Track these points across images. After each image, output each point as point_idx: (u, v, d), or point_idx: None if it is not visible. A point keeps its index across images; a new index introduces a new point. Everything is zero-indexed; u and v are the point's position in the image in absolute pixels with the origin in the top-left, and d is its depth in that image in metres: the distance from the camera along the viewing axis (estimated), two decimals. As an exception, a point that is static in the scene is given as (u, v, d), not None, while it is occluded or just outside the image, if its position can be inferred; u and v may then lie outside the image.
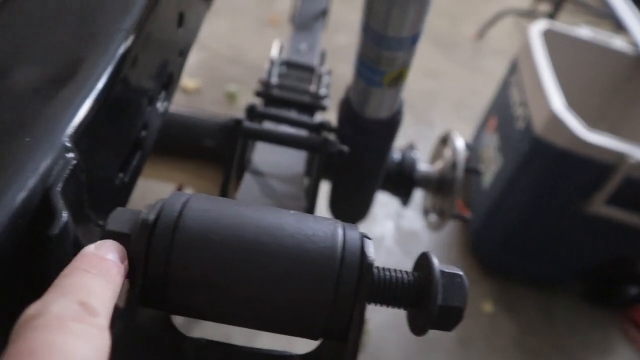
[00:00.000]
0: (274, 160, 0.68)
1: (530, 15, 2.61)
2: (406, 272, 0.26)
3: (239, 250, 0.23)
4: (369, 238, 0.25)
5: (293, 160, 0.69)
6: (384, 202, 1.53)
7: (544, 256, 1.40)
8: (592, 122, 1.45)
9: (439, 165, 1.05)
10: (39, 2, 0.34)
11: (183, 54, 0.47)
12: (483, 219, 1.42)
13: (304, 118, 0.67)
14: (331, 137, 0.54)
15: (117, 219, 0.24)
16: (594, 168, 1.16)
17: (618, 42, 1.54)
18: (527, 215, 1.33)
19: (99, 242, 0.23)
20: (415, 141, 1.08)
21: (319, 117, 0.76)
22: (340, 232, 0.25)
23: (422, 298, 0.25)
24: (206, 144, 1.02)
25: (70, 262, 0.22)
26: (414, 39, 0.50)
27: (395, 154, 0.98)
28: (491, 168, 1.44)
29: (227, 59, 1.95)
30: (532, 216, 1.33)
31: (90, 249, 0.23)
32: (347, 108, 0.64)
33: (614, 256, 1.35)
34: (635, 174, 1.14)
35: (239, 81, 1.86)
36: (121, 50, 0.33)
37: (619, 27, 2.11)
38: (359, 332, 0.24)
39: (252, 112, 0.64)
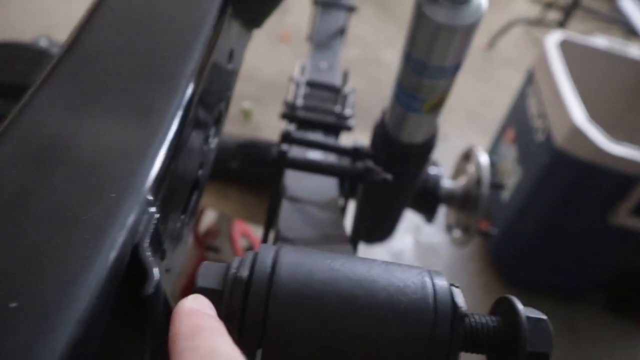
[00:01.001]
0: (307, 185, 0.68)
1: (540, 23, 2.62)
2: (489, 317, 0.26)
3: (334, 305, 0.23)
4: (457, 287, 0.25)
5: (326, 184, 0.69)
6: (405, 218, 1.53)
7: (567, 268, 1.39)
8: (610, 132, 1.45)
9: (462, 181, 1.04)
10: (101, 53, 0.34)
11: (231, 87, 0.47)
12: (503, 232, 1.41)
13: (340, 143, 0.67)
14: (372, 164, 0.54)
15: (206, 274, 0.25)
16: (617, 179, 1.16)
17: (634, 51, 1.53)
18: (549, 227, 1.33)
19: (194, 296, 0.23)
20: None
21: (349, 140, 0.76)
22: (429, 282, 0.25)
23: (509, 345, 0.25)
24: (229, 165, 1.03)
25: (175, 321, 0.22)
26: (456, 68, 0.50)
27: (419, 171, 0.98)
28: (510, 180, 1.44)
29: (241, 76, 1.96)
30: (554, 228, 1.32)
31: (188, 304, 0.22)
32: (382, 132, 0.65)
33: (638, 266, 1.34)
34: (659, 185, 1.14)
35: (253, 98, 1.86)
36: (187, 95, 0.33)
37: (630, 32, 2.11)
38: None
39: (287, 138, 0.64)
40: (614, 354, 1.39)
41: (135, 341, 0.24)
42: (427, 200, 1.01)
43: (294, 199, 0.64)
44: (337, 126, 0.89)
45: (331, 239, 0.53)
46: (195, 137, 0.37)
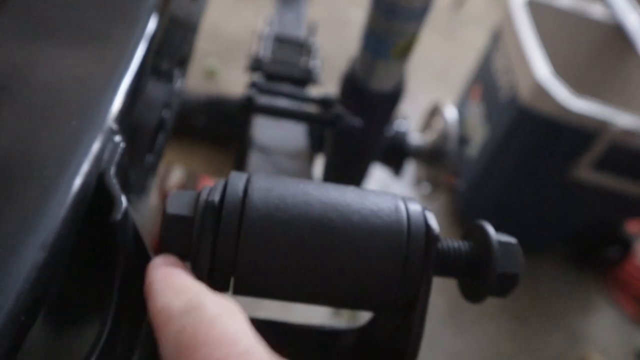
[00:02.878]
0: (275, 135, 0.67)
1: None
2: (461, 242, 0.26)
3: (308, 228, 0.23)
4: (430, 210, 0.25)
5: (294, 135, 0.69)
6: (372, 174, 1.54)
7: (531, 222, 1.43)
8: (576, 89, 1.47)
9: (430, 135, 1.05)
10: None
11: (195, 29, 0.46)
12: (471, 188, 1.44)
13: (308, 93, 0.66)
14: (342, 109, 0.53)
15: (177, 202, 0.24)
16: (579, 135, 1.19)
17: (597, 11, 1.55)
18: (515, 182, 1.35)
19: (164, 254, 0.24)
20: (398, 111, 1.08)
21: (318, 91, 0.76)
22: (402, 206, 0.25)
23: (481, 267, 0.25)
24: (195, 121, 1.01)
25: (148, 273, 0.22)
26: (425, 10, 0.50)
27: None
28: (477, 137, 1.45)
29: (204, 34, 1.92)
30: (519, 184, 1.35)
31: (160, 259, 0.23)
32: (350, 81, 0.64)
33: (598, 220, 1.39)
34: (618, 140, 1.17)
35: (218, 56, 1.82)
36: (150, 28, 0.32)
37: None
38: (426, 304, 0.24)
39: (254, 86, 0.63)
40: (571, 303, 1.45)
41: (105, 268, 0.24)
42: (395, 154, 1.01)
43: (263, 149, 0.63)
44: (305, 79, 0.88)
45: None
46: (160, 75, 0.36)
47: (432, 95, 1.96)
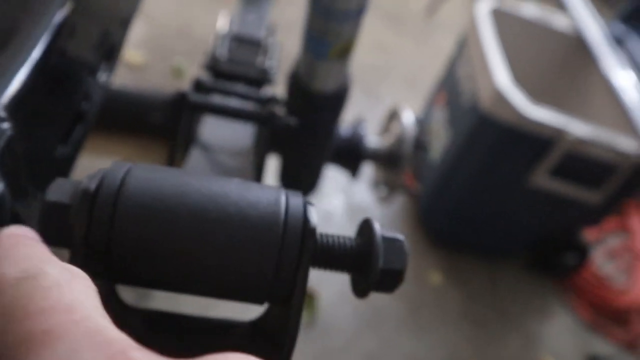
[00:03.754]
0: (221, 134, 0.67)
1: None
2: (349, 237, 0.27)
3: (182, 217, 0.23)
4: (312, 204, 0.26)
5: (241, 135, 0.69)
6: (334, 177, 1.55)
7: (491, 228, 1.45)
8: (538, 99, 1.50)
9: (387, 139, 1.06)
10: None
11: (125, 23, 0.46)
12: (432, 193, 1.45)
13: (253, 91, 0.66)
14: (279, 110, 0.53)
15: (57, 189, 0.24)
16: (537, 142, 1.21)
17: (560, 22, 1.58)
18: (474, 188, 1.37)
19: (17, 226, 0.22)
20: (365, 115, 1.08)
21: (268, 90, 0.76)
22: (283, 198, 0.25)
23: (364, 262, 0.26)
24: (152, 119, 1.00)
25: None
26: (360, 12, 0.51)
27: (345, 128, 0.99)
28: (440, 142, 1.47)
29: (174, 32, 1.91)
30: (479, 190, 1.37)
31: (11, 229, 0.21)
32: (295, 81, 0.64)
33: (556, 227, 1.41)
34: (574, 149, 1.19)
35: (186, 56, 1.82)
36: (58, 18, 0.31)
37: (561, 6, 2.17)
38: (302, 296, 0.24)
39: (198, 86, 0.63)
40: (529, 309, 1.47)
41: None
42: (352, 156, 1.02)
43: (204, 147, 0.63)
44: (260, 79, 0.88)
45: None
46: (73, 66, 0.35)
47: (401, 99, 1.98)
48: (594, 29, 1.52)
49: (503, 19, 1.51)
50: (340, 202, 1.55)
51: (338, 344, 1.25)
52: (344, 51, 0.55)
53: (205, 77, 0.64)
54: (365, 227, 0.27)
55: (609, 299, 1.53)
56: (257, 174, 0.56)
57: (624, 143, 1.20)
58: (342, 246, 0.26)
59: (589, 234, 1.51)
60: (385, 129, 1.10)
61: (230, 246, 0.23)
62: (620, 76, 1.41)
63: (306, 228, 0.24)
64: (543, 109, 1.19)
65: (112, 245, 0.23)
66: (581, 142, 1.18)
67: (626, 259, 1.69)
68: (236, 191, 0.25)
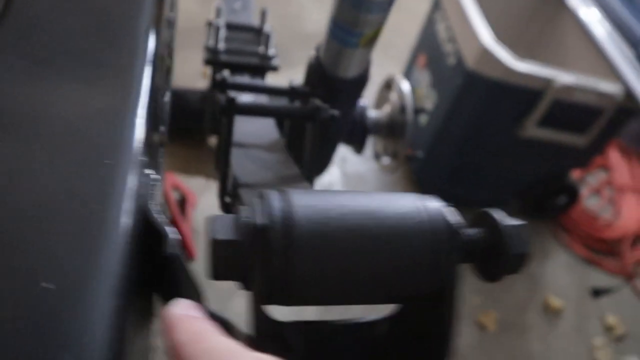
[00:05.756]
0: (247, 130, 0.68)
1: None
2: (475, 229, 0.29)
3: (349, 237, 0.25)
4: (449, 206, 0.28)
5: (266, 128, 0.70)
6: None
7: (485, 181, 1.50)
8: (513, 50, 1.53)
9: (386, 109, 1.08)
10: (41, 15, 0.32)
11: (174, 37, 0.46)
12: (425, 154, 1.49)
13: (276, 84, 0.67)
14: (319, 102, 0.55)
15: (220, 226, 0.25)
16: (524, 94, 1.25)
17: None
18: (466, 145, 1.41)
19: (178, 301, 0.23)
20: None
21: (276, 79, 0.76)
22: (423, 206, 0.27)
23: (495, 250, 0.28)
24: (204, 125, 1.00)
25: (172, 330, 0.22)
26: (392, 1, 0.52)
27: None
28: (426, 105, 1.50)
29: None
30: (470, 146, 1.41)
31: (177, 311, 0.23)
32: (317, 69, 0.65)
33: (546, 172, 1.47)
34: (561, 96, 1.24)
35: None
36: (150, 48, 0.32)
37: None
38: (455, 290, 0.27)
39: (222, 84, 0.64)
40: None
41: (160, 301, 0.25)
42: (356, 133, 1.04)
43: (239, 145, 0.64)
44: (263, 67, 0.88)
45: (288, 179, 0.54)
46: (160, 93, 0.36)
47: (380, 66, 1.98)
48: (562, -24, 1.56)
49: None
50: (337, 174, 1.57)
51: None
52: (373, 39, 0.56)
53: (224, 74, 0.64)
54: (485, 217, 0.29)
55: (599, 233, 1.62)
56: (310, 169, 0.57)
57: (607, 86, 1.25)
58: (473, 239, 0.29)
59: (576, 175, 1.58)
60: (382, 99, 1.12)
61: (394, 256, 0.26)
62: (589, 13, 1.45)
63: (451, 230, 0.27)
64: (528, 62, 1.22)
65: (291, 273, 0.24)
66: (567, 88, 1.22)
67: (608, 193, 1.78)
68: (384, 204, 0.27)
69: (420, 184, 1.58)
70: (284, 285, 0.25)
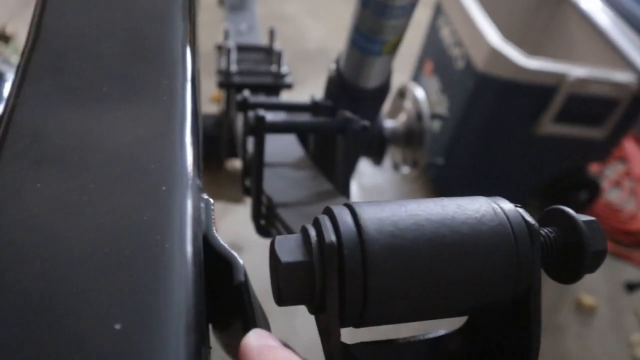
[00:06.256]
0: (272, 149, 0.67)
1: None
2: (549, 229, 0.27)
3: (426, 249, 0.23)
4: (522, 207, 0.26)
5: (288, 144, 0.69)
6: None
7: (504, 182, 1.48)
8: (519, 49, 1.52)
9: (402, 118, 1.07)
10: (74, 36, 0.31)
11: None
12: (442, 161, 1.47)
13: (297, 100, 0.66)
14: (349, 114, 0.53)
15: (286, 248, 0.24)
16: (538, 92, 1.23)
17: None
18: (482, 147, 1.39)
19: (255, 331, 0.22)
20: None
21: (293, 96, 0.75)
22: (498, 208, 0.26)
23: (573, 249, 0.26)
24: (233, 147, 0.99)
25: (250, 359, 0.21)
26: (414, 4, 0.51)
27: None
28: (438, 110, 1.49)
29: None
30: (486, 148, 1.39)
31: (255, 341, 0.22)
32: (338, 80, 0.64)
33: (565, 168, 1.45)
34: (575, 90, 1.22)
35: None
36: (189, 66, 0.31)
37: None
38: (539, 295, 0.25)
39: (244, 104, 0.62)
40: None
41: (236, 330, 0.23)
42: (375, 144, 1.02)
43: (266, 165, 0.62)
44: (277, 85, 0.87)
45: (324, 194, 0.52)
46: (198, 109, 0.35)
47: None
48: (562, -29, 1.55)
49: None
50: (354, 187, 1.55)
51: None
52: (396, 45, 0.55)
53: (247, 94, 0.63)
54: (558, 215, 0.28)
55: (624, 225, 1.59)
56: (344, 184, 0.56)
57: (620, 76, 1.24)
58: (552, 239, 0.27)
59: (595, 169, 1.56)
60: (396, 108, 1.11)
61: (474, 264, 0.24)
62: (590, 3, 1.44)
63: (531, 231, 0.25)
64: (538, 59, 1.21)
65: (367, 292, 0.23)
66: (581, 82, 1.21)
67: (629, 185, 1.75)
68: (457, 210, 0.25)
69: (440, 191, 1.56)
70: (360, 306, 0.23)
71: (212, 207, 0.25)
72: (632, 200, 1.70)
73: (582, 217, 0.27)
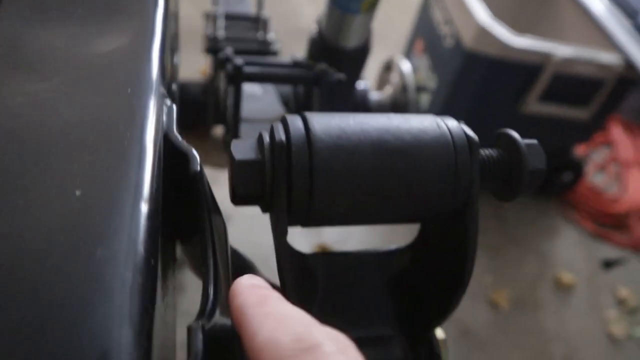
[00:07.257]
0: (255, 108, 0.68)
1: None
2: (490, 149, 0.30)
3: (371, 152, 0.25)
4: (465, 123, 0.28)
5: (270, 104, 0.70)
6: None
7: (489, 161, 1.50)
8: (512, 28, 1.54)
9: (388, 90, 1.08)
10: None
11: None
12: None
13: (279, 59, 0.68)
14: (325, 66, 0.55)
15: (240, 148, 0.26)
16: (524, 70, 1.25)
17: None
18: (469, 125, 1.41)
19: (250, 275, 0.23)
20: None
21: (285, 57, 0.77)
22: (442, 122, 0.28)
23: (514, 168, 0.28)
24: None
25: (239, 294, 0.22)
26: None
27: (345, 89, 1.00)
28: (427, 88, 1.50)
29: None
30: (473, 125, 1.40)
31: (247, 280, 0.23)
32: (319, 41, 0.66)
33: (550, 149, 1.47)
34: (561, 70, 1.24)
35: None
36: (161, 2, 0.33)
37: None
38: (478, 201, 0.27)
39: (227, 61, 0.64)
40: (537, 230, 1.55)
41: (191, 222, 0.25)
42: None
43: (247, 121, 0.64)
44: (263, 52, 0.89)
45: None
46: (170, 45, 0.37)
47: (376, 56, 1.99)
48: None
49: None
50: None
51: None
52: (375, 3, 0.56)
53: (229, 52, 0.65)
54: (505, 137, 0.30)
55: (606, 208, 1.62)
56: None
57: (606, 57, 1.26)
58: (492, 156, 0.29)
59: (580, 151, 1.58)
60: (383, 81, 1.12)
61: (416, 169, 0.26)
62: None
63: (471, 143, 0.27)
64: (526, 38, 1.23)
65: (313, 189, 0.25)
66: (567, 61, 1.23)
67: (613, 169, 1.78)
68: (403, 122, 0.27)
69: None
70: (306, 202, 0.25)
71: (175, 112, 0.27)
72: (616, 184, 1.73)
73: (526, 141, 0.29)
